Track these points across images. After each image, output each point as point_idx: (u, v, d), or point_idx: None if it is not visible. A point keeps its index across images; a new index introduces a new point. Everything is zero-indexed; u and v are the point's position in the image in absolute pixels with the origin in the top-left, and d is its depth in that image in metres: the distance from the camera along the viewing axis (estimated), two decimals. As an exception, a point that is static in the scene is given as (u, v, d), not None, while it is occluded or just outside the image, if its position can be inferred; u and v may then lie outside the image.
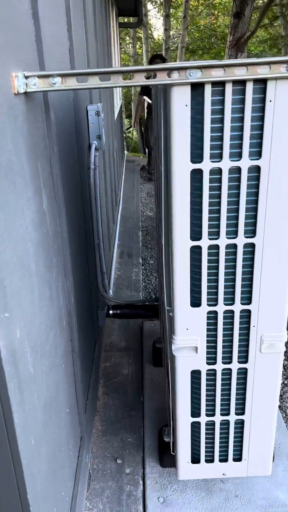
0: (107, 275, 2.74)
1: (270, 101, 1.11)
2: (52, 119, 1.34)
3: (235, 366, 1.46)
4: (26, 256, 1.02)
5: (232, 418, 1.55)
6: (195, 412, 1.54)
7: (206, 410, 1.54)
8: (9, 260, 0.87)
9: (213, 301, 1.36)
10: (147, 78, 1.08)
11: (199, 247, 1.28)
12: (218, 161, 1.17)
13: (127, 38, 17.12)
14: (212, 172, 1.19)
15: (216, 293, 1.35)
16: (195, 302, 1.36)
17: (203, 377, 1.48)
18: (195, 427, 1.57)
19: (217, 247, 1.28)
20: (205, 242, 1.27)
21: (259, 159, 1.17)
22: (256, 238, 1.27)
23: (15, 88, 0.99)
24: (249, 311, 1.38)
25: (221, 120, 1.13)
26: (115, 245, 4.14)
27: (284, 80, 1.08)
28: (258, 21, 7.80)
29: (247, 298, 1.36)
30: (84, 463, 1.77)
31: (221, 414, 1.55)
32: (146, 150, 7.09)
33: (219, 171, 1.18)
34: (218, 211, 1.23)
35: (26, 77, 1.05)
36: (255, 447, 1.60)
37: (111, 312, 2.53)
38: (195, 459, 1.63)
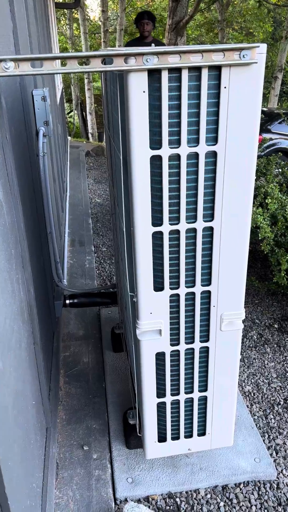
0: (60, 264, 2.70)
1: (225, 87, 1.14)
2: (3, 105, 1.28)
3: (197, 345, 1.52)
4: (-12, 249, 0.99)
5: (196, 395, 1.62)
6: (160, 393, 1.59)
7: (171, 390, 1.59)
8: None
9: (175, 284, 1.40)
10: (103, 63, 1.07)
11: (161, 233, 1.30)
12: (177, 147, 1.19)
13: (62, 19, 16.54)
14: (170, 158, 1.20)
15: (178, 277, 1.38)
16: (158, 286, 1.39)
17: (167, 359, 1.52)
18: (161, 407, 1.62)
19: (177, 232, 1.31)
20: (166, 228, 1.30)
21: (215, 145, 1.21)
22: (214, 222, 1.31)
23: None
24: (209, 292, 1.43)
25: (178, 106, 1.15)
26: (66, 233, 4.08)
27: (238, 67, 1.12)
28: (196, 5, 7.84)
29: (207, 280, 1.41)
30: (51, 453, 1.76)
31: (185, 393, 1.61)
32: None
33: (177, 157, 1.20)
34: (178, 197, 1.26)
35: (-23, 61, 1.00)
36: (218, 421, 1.68)
37: (68, 301, 2.51)
38: (162, 438, 1.69)
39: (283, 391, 2.31)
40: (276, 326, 2.86)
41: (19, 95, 1.78)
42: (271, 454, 1.94)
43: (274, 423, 2.11)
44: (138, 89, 1.11)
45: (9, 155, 1.32)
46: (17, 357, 1.22)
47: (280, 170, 3.23)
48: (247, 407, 2.20)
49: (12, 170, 1.35)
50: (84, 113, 15.95)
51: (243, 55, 1.10)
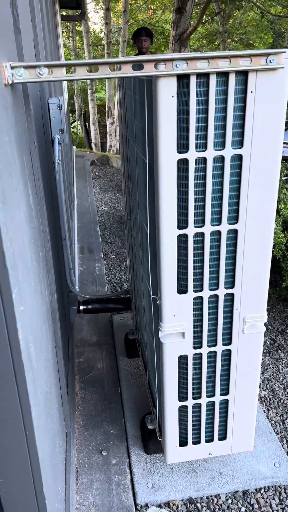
0: (72, 271, 2.71)
1: (251, 92, 1.16)
2: (32, 111, 1.31)
3: (219, 348, 1.52)
4: (24, 250, 1.00)
5: (217, 398, 1.62)
6: (182, 397, 1.59)
7: (193, 393, 1.59)
8: (16, 253, 0.86)
9: (199, 287, 1.41)
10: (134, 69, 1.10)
11: (186, 235, 1.32)
12: (203, 151, 1.21)
13: (65, 31, 16.81)
14: (197, 161, 1.23)
15: (202, 279, 1.40)
16: (182, 289, 1.40)
17: (190, 362, 1.52)
18: (183, 411, 1.62)
19: (202, 234, 1.33)
20: (191, 230, 1.31)
21: (241, 148, 1.23)
22: (239, 224, 1.33)
23: (6, 79, 0.96)
24: (232, 295, 1.44)
25: (206, 111, 1.17)
26: (75, 240, 4.10)
27: (264, 72, 1.14)
28: (200, 17, 7.96)
29: (231, 282, 1.42)
30: (72, 458, 1.76)
31: (207, 396, 1.61)
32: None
33: (203, 160, 1.23)
34: (203, 200, 1.28)
35: (12, 68, 1.02)
36: (239, 425, 1.68)
37: (82, 307, 2.52)
38: (183, 442, 1.68)
39: (299, 396, 2.31)
40: (288, 331, 2.86)
41: (39, 103, 1.81)
42: (290, 459, 1.93)
43: (291, 428, 2.10)
44: (167, 94, 1.13)
45: (36, 160, 1.34)
46: (46, 358, 1.23)
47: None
48: (264, 412, 2.20)
49: (39, 175, 1.37)
50: (87, 123, 16.11)
51: (270, 60, 1.12)
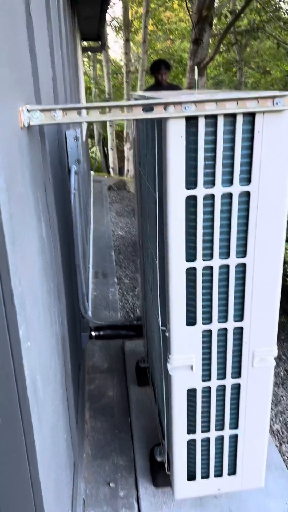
0: (86, 296, 2.75)
1: (258, 132, 1.20)
2: (47, 149, 1.37)
3: (229, 382, 1.51)
4: (34, 283, 1.04)
5: (227, 433, 1.60)
6: (191, 430, 1.57)
7: (202, 426, 1.58)
8: (25, 290, 0.89)
9: (208, 319, 1.42)
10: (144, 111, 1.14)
11: (194, 269, 1.34)
12: (211, 187, 1.24)
13: (86, 60, 17.45)
14: (205, 197, 1.25)
15: (210, 312, 1.40)
16: (190, 321, 1.41)
17: (199, 395, 1.52)
18: (191, 444, 1.60)
19: (210, 268, 1.34)
20: (199, 264, 1.33)
21: (248, 185, 1.25)
22: (247, 258, 1.34)
23: (22, 122, 1.02)
24: (241, 328, 1.44)
25: (213, 150, 1.21)
26: (90, 265, 4.15)
27: (271, 113, 1.18)
28: (217, 47, 8.17)
29: (239, 316, 1.43)
30: (79, 489, 1.75)
31: (216, 430, 1.59)
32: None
33: (211, 196, 1.25)
34: (212, 234, 1.30)
35: (29, 111, 1.08)
36: (249, 460, 1.65)
37: (93, 333, 2.54)
38: (191, 476, 1.66)
39: (313, 430, 2.25)
40: (303, 362, 2.81)
41: (56, 136, 1.88)
42: (303, 498, 1.87)
43: (304, 465, 2.04)
44: (176, 134, 1.17)
45: (50, 194, 1.40)
46: (53, 389, 1.25)
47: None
48: (276, 446, 2.14)
49: (53, 208, 1.42)
50: (105, 148, 16.47)
51: (276, 103, 1.16)
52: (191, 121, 1.18)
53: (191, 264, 1.33)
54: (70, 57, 3.44)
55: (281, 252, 1.35)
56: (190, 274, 1.35)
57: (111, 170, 14.33)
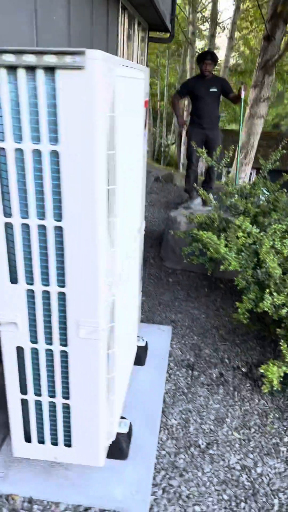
0: None
1: (60, 89, 1.18)
2: None
3: (56, 347, 1.51)
4: None
5: (59, 401, 1.59)
6: (23, 390, 1.59)
7: (34, 389, 1.59)
8: None
9: (30, 280, 1.42)
10: None
11: (11, 225, 1.35)
12: (19, 143, 1.25)
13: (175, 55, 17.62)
14: (16, 151, 1.26)
15: (31, 272, 1.41)
16: (13, 279, 1.43)
17: (27, 355, 1.53)
18: (24, 404, 1.62)
19: (28, 226, 1.35)
20: (16, 220, 1.34)
21: (56, 145, 1.24)
22: (63, 222, 1.33)
23: None
24: (64, 294, 1.43)
25: (17, 104, 1.21)
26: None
27: (71, 70, 1.15)
28: (287, 44, 7.76)
29: (62, 281, 1.41)
30: None
31: (49, 396, 1.59)
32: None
33: (21, 151, 1.26)
34: (24, 191, 1.30)
35: None
36: (82, 434, 1.62)
37: None
38: (27, 438, 1.68)
39: (211, 435, 2.13)
40: (243, 370, 2.64)
41: None
42: (155, 492, 1.80)
43: (180, 463, 1.95)
44: (-21, 84, 1.20)
45: None
46: None
47: (267, 194, 3.00)
48: (160, 439, 2.06)
49: None
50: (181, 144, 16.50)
51: (75, 59, 1.13)
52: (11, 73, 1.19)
53: (8, 219, 1.34)
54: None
55: (97, 219, 1.31)
56: (9, 230, 1.36)
57: (180, 165, 14.27)
